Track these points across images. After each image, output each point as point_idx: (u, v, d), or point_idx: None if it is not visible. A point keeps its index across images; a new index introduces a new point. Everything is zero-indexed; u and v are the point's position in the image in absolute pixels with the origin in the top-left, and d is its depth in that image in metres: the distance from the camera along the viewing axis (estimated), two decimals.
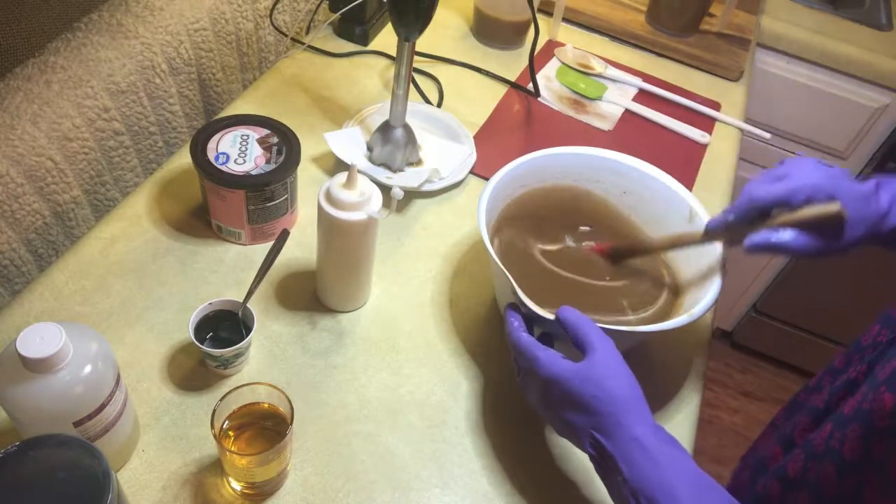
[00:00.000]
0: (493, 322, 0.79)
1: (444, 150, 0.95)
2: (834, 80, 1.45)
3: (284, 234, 0.73)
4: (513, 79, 1.12)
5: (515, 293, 0.65)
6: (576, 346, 0.59)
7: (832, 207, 0.61)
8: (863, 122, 1.49)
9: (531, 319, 0.67)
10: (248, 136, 0.79)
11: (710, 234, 0.71)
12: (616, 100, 1.12)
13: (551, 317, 0.62)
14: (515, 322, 0.64)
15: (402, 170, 0.90)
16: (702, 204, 0.77)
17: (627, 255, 0.79)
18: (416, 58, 0.90)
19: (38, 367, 0.50)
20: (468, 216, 0.90)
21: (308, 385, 0.71)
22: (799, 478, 0.59)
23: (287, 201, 0.80)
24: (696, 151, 1.07)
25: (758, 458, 0.74)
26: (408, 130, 0.89)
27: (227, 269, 0.79)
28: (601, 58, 1.19)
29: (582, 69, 1.17)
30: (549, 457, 0.69)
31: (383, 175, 0.89)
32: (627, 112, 1.11)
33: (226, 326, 0.69)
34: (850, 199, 0.61)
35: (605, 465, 0.54)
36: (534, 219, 0.81)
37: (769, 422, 0.83)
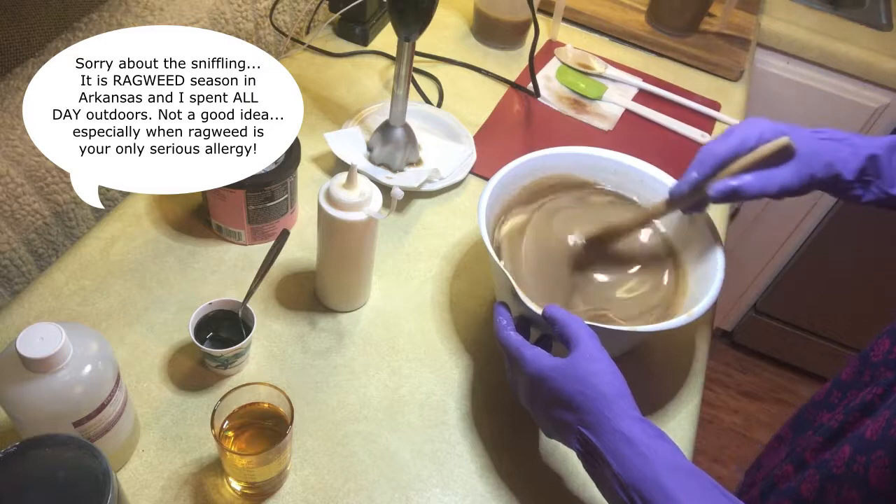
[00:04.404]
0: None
1: (444, 150, 0.95)
2: (834, 80, 1.45)
3: (284, 234, 0.73)
4: (513, 79, 1.12)
5: (514, 293, 0.65)
6: (562, 343, 0.60)
7: (781, 141, 0.65)
8: (863, 122, 1.48)
9: (528, 320, 0.67)
10: None
11: (673, 201, 0.72)
12: (616, 100, 1.12)
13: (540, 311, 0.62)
14: (504, 321, 0.64)
15: (402, 170, 0.90)
16: None
17: (605, 241, 0.77)
18: (416, 58, 0.90)
19: (38, 367, 0.50)
20: (468, 216, 0.90)
21: (308, 385, 0.71)
22: (815, 499, 0.58)
23: (287, 201, 0.80)
24: (696, 151, 1.06)
25: (766, 474, 0.73)
26: (408, 130, 0.89)
27: (227, 269, 0.79)
28: (601, 58, 1.19)
29: (582, 69, 1.16)
30: (550, 456, 0.69)
31: (383, 175, 0.89)
32: (627, 112, 1.11)
33: (226, 326, 0.69)
34: (800, 137, 0.66)
35: (594, 461, 0.54)
36: None
37: (774, 435, 0.81)
